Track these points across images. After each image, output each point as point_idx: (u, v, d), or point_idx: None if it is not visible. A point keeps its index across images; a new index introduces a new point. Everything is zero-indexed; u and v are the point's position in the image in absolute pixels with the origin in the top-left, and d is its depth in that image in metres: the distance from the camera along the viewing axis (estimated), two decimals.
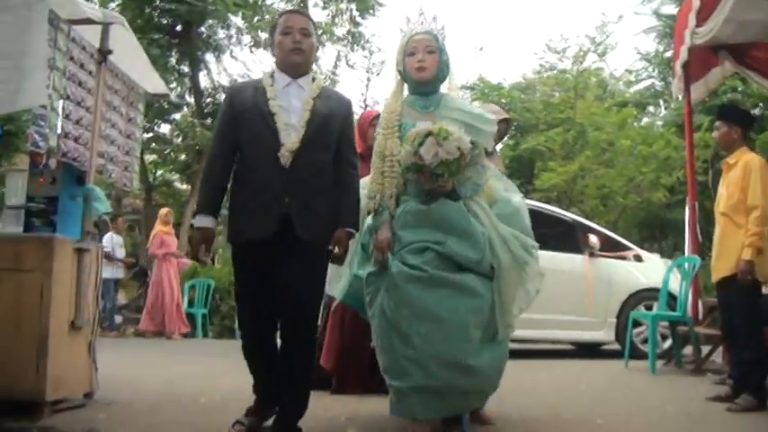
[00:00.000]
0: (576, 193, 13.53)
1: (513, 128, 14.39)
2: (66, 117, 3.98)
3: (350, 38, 14.68)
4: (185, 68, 12.06)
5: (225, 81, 11.94)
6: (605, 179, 13.08)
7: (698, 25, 6.00)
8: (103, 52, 4.18)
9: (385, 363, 3.20)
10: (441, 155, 3.08)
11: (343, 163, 3.37)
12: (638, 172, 12.33)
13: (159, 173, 14.13)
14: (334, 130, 3.33)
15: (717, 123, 4.92)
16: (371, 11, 14.25)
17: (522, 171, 13.43)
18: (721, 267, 4.66)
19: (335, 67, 15.47)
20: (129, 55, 4.51)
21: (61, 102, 3.91)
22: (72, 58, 4.02)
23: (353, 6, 14.20)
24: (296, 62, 3.31)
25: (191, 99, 12.73)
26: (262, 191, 3.20)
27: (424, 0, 3.95)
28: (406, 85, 3.50)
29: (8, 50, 3.49)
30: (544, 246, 4.36)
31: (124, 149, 4.65)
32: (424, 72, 3.34)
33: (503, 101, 14.37)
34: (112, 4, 10.91)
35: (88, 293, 4.00)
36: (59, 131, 3.94)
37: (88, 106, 4.15)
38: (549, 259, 5.50)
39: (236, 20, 11.56)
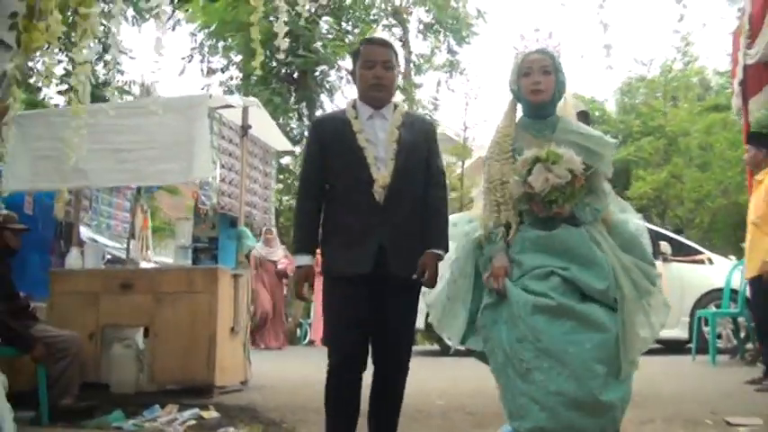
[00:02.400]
0: (671, 197, 14.06)
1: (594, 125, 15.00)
2: (222, 180, 5.45)
3: (449, 65, 15.85)
4: (304, 109, 13.65)
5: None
6: (696, 183, 13.50)
7: (748, 46, 6.29)
8: (244, 128, 5.65)
9: (505, 403, 2.98)
10: (551, 180, 2.89)
11: (431, 186, 3.28)
12: (724, 175, 12.69)
13: (285, 198, 15.66)
14: (422, 157, 3.27)
15: (746, 146, 5.76)
16: (467, 40, 15.39)
17: (618, 180, 14.10)
18: (751, 268, 5.51)
19: (437, 91, 16.69)
20: (263, 125, 5.94)
21: (219, 170, 5.36)
22: (223, 136, 5.48)
23: (450, 37, 15.39)
24: (378, 97, 3.25)
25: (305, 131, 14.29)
26: (357, 226, 3.14)
27: (515, 25, 3.99)
28: (519, 106, 3.27)
29: (180, 138, 4.96)
30: None
31: (263, 197, 6.09)
32: (540, 95, 3.11)
33: (596, 113, 15.09)
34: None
35: (242, 307, 5.41)
36: (218, 191, 5.41)
37: (237, 169, 5.62)
38: None
39: (344, 63, 12.94)
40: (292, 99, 13.47)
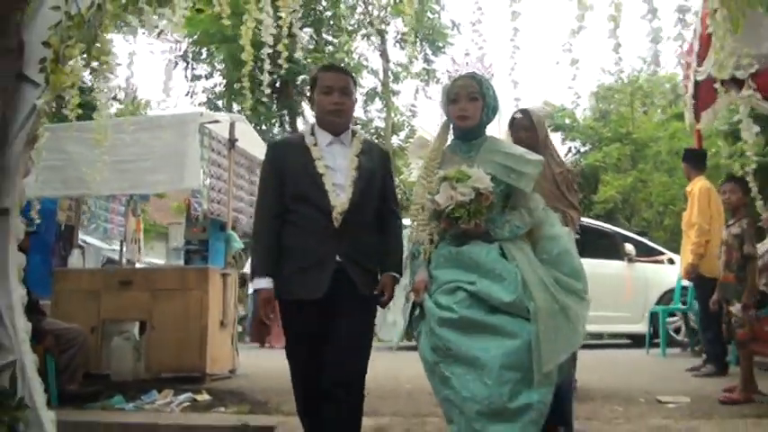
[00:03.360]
0: (638, 201, 14.73)
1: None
2: (212, 188, 6.02)
3: (425, 74, 16.44)
4: (286, 117, 14.25)
5: None
6: (663, 187, 14.16)
7: (699, 64, 7.08)
8: (231, 141, 6.22)
9: (441, 405, 3.07)
10: (455, 197, 2.95)
11: (387, 211, 3.33)
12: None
13: None
14: (378, 184, 3.29)
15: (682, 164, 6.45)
16: (442, 50, 16.01)
17: (586, 184, 14.74)
18: (683, 270, 6.21)
19: (414, 98, 17.30)
20: (248, 138, 6.51)
21: (208, 180, 5.93)
22: (212, 149, 6.05)
23: (427, 46, 15.99)
24: (336, 123, 3.26)
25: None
26: (314, 251, 3.13)
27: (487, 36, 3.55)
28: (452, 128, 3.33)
29: (172, 151, 5.51)
30: (591, 254, 5.77)
31: (249, 203, 6.65)
32: (466, 121, 3.19)
33: (566, 121, 15.74)
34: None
35: (230, 303, 5.97)
36: (208, 198, 5.98)
37: (225, 179, 6.19)
38: (595, 265, 6.99)
39: None
40: (274, 107, 14.06)
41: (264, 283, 3.16)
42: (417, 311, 3.11)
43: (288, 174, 3.22)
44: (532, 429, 2.82)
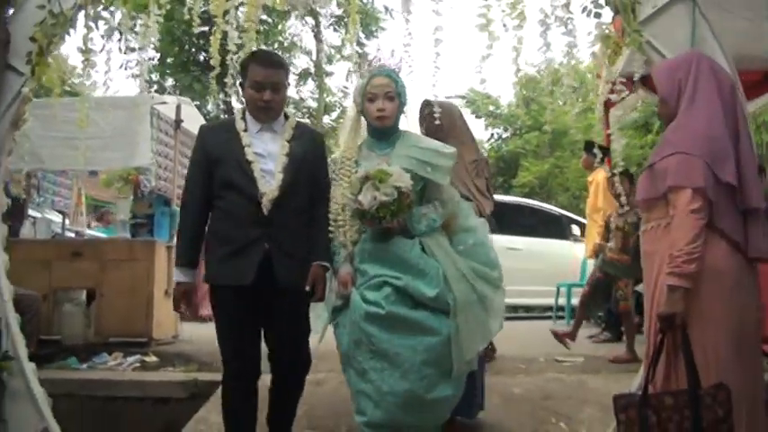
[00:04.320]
0: (556, 186, 15.68)
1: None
2: (158, 166, 6.46)
3: (357, 57, 16.92)
4: (220, 94, 14.55)
5: None
6: (579, 173, 15.13)
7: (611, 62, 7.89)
8: (177, 122, 6.65)
9: (351, 398, 3.17)
10: (379, 198, 2.96)
11: (318, 197, 3.25)
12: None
13: None
14: (310, 170, 3.23)
15: (583, 154, 7.22)
16: (375, 34, 16.52)
17: (507, 170, 15.62)
18: (587, 250, 6.99)
19: (346, 80, 17.79)
20: (193, 120, 6.94)
21: (156, 158, 6.36)
22: (160, 129, 6.47)
23: (360, 30, 16.47)
24: (266, 119, 3.22)
25: (224, 116, 15.17)
26: (241, 237, 3.11)
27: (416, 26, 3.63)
28: (364, 123, 3.33)
29: (124, 131, 5.93)
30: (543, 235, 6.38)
31: None
32: (385, 121, 3.21)
33: (490, 108, 16.55)
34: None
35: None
36: (156, 176, 6.42)
37: (171, 157, 6.63)
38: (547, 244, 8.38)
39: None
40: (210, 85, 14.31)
41: (182, 276, 3.18)
42: (339, 303, 3.15)
43: (216, 160, 3.17)
44: (443, 418, 3.11)
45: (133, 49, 15.27)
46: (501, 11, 3.20)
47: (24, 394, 3.60)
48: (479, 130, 16.61)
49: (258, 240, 3.09)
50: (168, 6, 3.73)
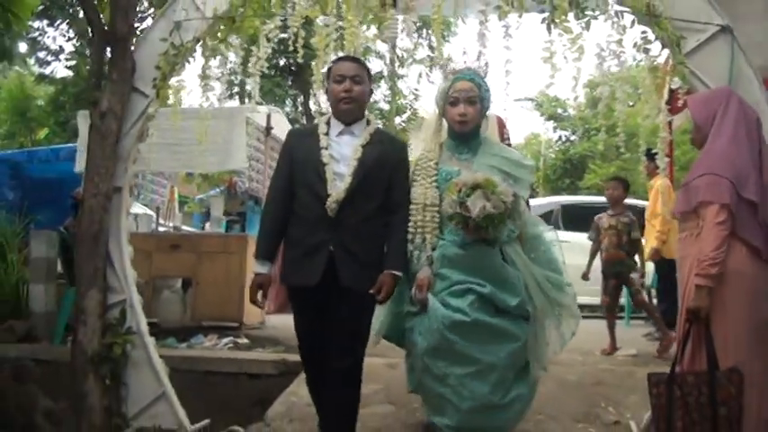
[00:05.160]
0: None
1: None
2: (251, 169, 7.14)
3: (429, 59, 17.45)
4: (300, 98, 15.33)
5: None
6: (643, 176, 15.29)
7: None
8: (268, 129, 7.32)
9: (425, 400, 3.31)
10: (488, 209, 2.98)
11: (392, 206, 3.27)
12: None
13: None
14: (384, 176, 3.26)
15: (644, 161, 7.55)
16: (446, 39, 17.01)
17: (573, 171, 15.88)
18: (647, 254, 7.30)
19: (418, 83, 18.33)
20: (282, 127, 7.58)
21: (248, 162, 7.04)
22: (253, 136, 7.14)
23: (432, 34, 17.01)
24: (346, 111, 3.28)
25: (303, 120, 15.95)
26: (309, 239, 3.19)
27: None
28: (445, 125, 3.38)
29: (221, 138, 6.59)
30: None
31: None
32: (466, 126, 3.23)
33: (559, 111, 16.80)
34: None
35: None
36: (249, 177, 7.11)
37: (261, 161, 7.31)
38: None
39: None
40: (289, 90, 15.14)
41: (259, 267, 3.31)
42: (412, 308, 3.21)
43: (296, 161, 3.32)
44: (520, 416, 3.20)
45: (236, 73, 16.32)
46: (562, 45, 3.64)
47: (145, 363, 4.27)
48: (548, 131, 16.92)
49: (324, 242, 3.18)
50: (276, 39, 4.27)
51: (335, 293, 3.17)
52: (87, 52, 17.31)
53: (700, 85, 3.69)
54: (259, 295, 3.32)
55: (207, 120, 4.49)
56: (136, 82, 4.35)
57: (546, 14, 3.73)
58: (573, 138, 17.02)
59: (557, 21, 3.67)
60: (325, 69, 3.68)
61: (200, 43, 4.30)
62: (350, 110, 3.31)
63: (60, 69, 15.22)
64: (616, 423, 4.00)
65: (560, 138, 17.00)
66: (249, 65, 4.16)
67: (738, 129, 3.06)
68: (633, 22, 3.72)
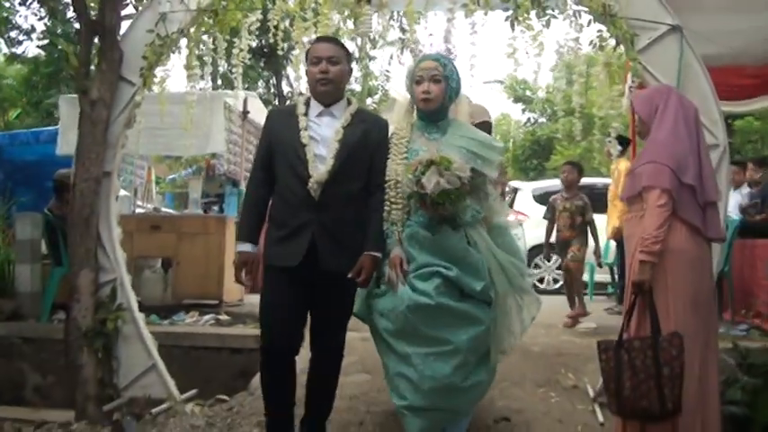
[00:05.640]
0: (588, 169, 16.29)
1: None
2: (228, 152, 7.38)
3: (400, 42, 17.66)
4: (273, 79, 15.49)
5: (303, 87, 15.16)
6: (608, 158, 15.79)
7: None
8: (245, 113, 7.55)
9: (388, 382, 3.29)
10: (442, 184, 2.99)
11: (372, 186, 3.29)
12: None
13: None
14: (365, 157, 3.27)
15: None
16: (417, 21, 17.21)
17: (541, 153, 16.28)
18: (608, 233, 7.61)
19: (389, 64, 18.53)
20: (258, 111, 7.85)
21: (226, 145, 7.27)
22: (230, 120, 7.37)
23: (403, 17, 17.20)
24: (324, 92, 3.28)
25: (276, 101, 16.15)
26: (292, 221, 3.20)
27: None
28: (415, 108, 3.39)
29: (201, 122, 6.83)
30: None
31: None
32: (429, 103, 3.24)
33: (528, 93, 17.18)
34: None
35: None
36: (227, 160, 7.36)
37: (239, 144, 7.55)
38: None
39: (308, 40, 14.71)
40: (263, 72, 15.30)
41: (245, 247, 3.32)
42: (377, 290, 3.24)
43: (276, 143, 3.31)
44: (477, 400, 3.27)
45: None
46: (524, 41, 3.95)
47: (135, 338, 4.56)
48: (516, 114, 17.29)
49: (307, 224, 3.19)
50: (257, 32, 4.50)
51: (317, 275, 3.20)
52: (59, 31, 17.35)
53: (651, 79, 4.03)
54: (243, 273, 3.34)
55: (191, 108, 4.67)
56: (123, 71, 4.58)
57: (510, 12, 4.04)
58: (540, 120, 17.42)
59: (519, 18, 3.97)
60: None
61: (183, 34, 4.53)
62: (327, 91, 3.31)
63: (31, 49, 15.13)
64: (574, 387, 4.35)
65: (528, 120, 17.42)
66: (232, 56, 4.37)
67: (678, 121, 3.38)
68: (590, 21, 4.03)
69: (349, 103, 3.41)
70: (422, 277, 3.11)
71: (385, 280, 3.22)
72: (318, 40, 3.54)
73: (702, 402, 3.22)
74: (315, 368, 3.42)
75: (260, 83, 15.59)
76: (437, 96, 3.25)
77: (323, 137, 3.27)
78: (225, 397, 4.53)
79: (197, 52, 4.57)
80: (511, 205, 10.51)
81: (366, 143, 3.29)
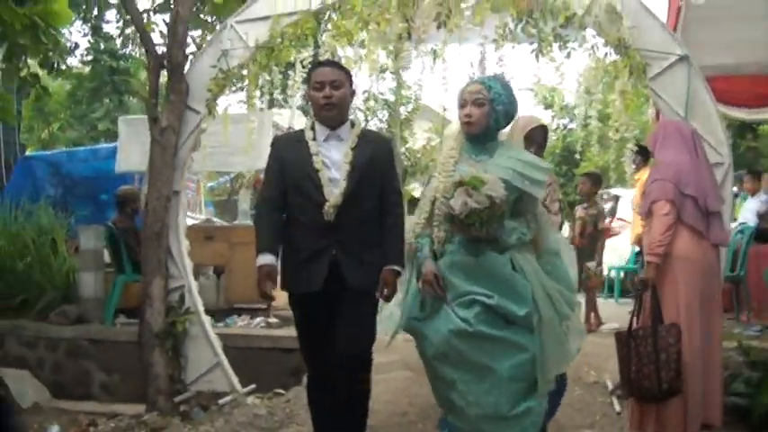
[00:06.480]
0: (618, 176, 16.59)
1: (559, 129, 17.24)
2: None
3: (432, 53, 18.11)
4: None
5: None
6: None
7: None
8: (290, 129, 8.09)
9: (436, 397, 3.26)
10: (470, 204, 2.94)
11: (386, 204, 3.33)
12: None
13: None
14: (376, 176, 3.31)
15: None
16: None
17: (570, 159, 16.57)
18: (632, 240, 8.06)
19: (421, 74, 18.94)
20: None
21: None
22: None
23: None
24: (329, 117, 3.29)
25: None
26: (310, 245, 3.20)
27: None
28: None
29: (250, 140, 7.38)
30: None
31: None
32: (470, 127, 3.21)
33: (556, 100, 17.49)
34: None
35: None
36: None
37: None
38: None
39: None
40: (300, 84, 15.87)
41: (266, 258, 3.28)
42: (422, 315, 3.17)
43: (287, 168, 3.32)
44: (534, 429, 3.03)
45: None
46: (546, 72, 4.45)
47: (202, 338, 5.13)
48: (547, 120, 17.59)
49: (326, 248, 3.21)
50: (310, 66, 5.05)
51: (339, 296, 3.21)
52: (101, 47, 18.14)
53: (662, 103, 4.49)
54: (268, 285, 3.30)
55: (251, 134, 5.23)
56: (189, 101, 5.15)
57: (534, 46, 4.53)
58: (571, 126, 17.73)
59: (543, 52, 4.46)
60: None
61: (243, 68, 5.09)
62: (332, 116, 3.33)
63: (74, 64, 15.90)
64: (595, 383, 4.82)
65: (557, 126, 17.72)
66: (288, 87, 4.92)
67: (677, 143, 3.92)
68: (607, 53, 4.50)
69: (353, 125, 3.43)
70: (462, 305, 3.08)
71: (422, 307, 3.18)
72: (320, 64, 3.56)
73: (707, 386, 3.71)
74: (342, 386, 3.29)
75: (298, 95, 16.08)
76: (478, 120, 3.21)
77: (333, 160, 3.30)
78: (281, 390, 5.05)
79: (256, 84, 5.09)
80: (613, 213, 11.02)
81: (375, 163, 3.34)
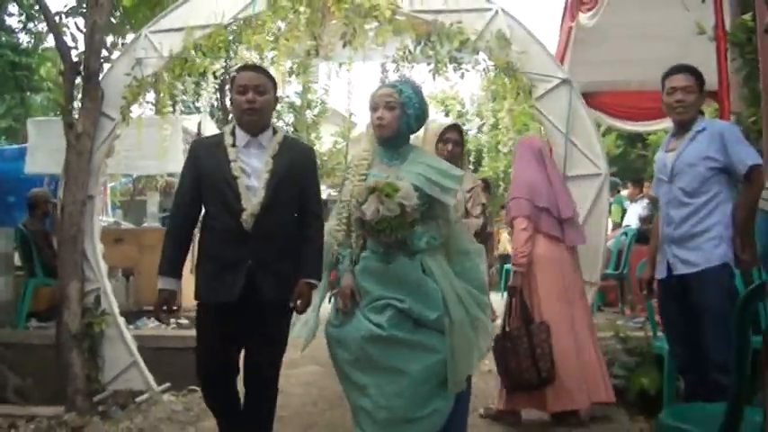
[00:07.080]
0: (508, 184, 17.41)
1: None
2: None
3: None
4: (217, 94, 16.21)
5: None
6: None
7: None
8: (199, 134, 8.29)
9: (350, 404, 3.22)
10: (381, 212, 2.97)
11: (305, 215, 3.29)
12: None
13: None
14: (296, 186, 3.25)
15: None
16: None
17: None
18: None
19: (328, 79, 19.22)
20: (211, 131, 8.56)
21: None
22: (187, 141, 8.08)
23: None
24: (250, 122, 3.22)
25: (220, 114, 16.94)
26: (226, 254, 3.13)
27: None
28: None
29: (158, 144, 7.54)
30: None
31: None
32: (382, 130, 3.20)
33: (458, 107, 18.22)
34: None
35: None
36: None
37: None
38: None
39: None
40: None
41: (165, 283, 3.26)
42: (337, 322, 3.16)
43: (204, 175, 3.21)
44: (435, 428, 3.06)
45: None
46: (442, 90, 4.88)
47: (117, 339, 5.31)
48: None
49: (242, 258, 3.11)
50: (222, 77, 5.34)
51: (253, 308, 3.14)
52: (2, 41, 17.50)
53: (546, 121, 5.01)
54: (164, 312, 3.31)
55: (165, 141, 5.44)
56: (104, 108, 5.32)
57: (432, 66, 4.98)
58: (471, 133, 18.41)
59: (439, 71, 4.92)
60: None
61: (156, 77, 5.31)
62: (254, 121, 3.26)
63: None
64: (489, 371, 5.28)
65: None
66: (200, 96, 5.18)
67: (528, 160, 4.41)
68: (496, 74, 4.99)
69: (275, 131, 3.37)
70: (375, 310, 3.10)
71: (336, 313, 3.20)
72: (245, 68, 3.45)
73: (584, 370, 4.21)
74: (251, 403, 3.31)
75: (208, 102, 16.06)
76: (390, 123, 3.20)
77: (253, 168, 3.23)
78: (196, 387, 5.28)
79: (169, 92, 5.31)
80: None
81: (294, 172, 3.28)
